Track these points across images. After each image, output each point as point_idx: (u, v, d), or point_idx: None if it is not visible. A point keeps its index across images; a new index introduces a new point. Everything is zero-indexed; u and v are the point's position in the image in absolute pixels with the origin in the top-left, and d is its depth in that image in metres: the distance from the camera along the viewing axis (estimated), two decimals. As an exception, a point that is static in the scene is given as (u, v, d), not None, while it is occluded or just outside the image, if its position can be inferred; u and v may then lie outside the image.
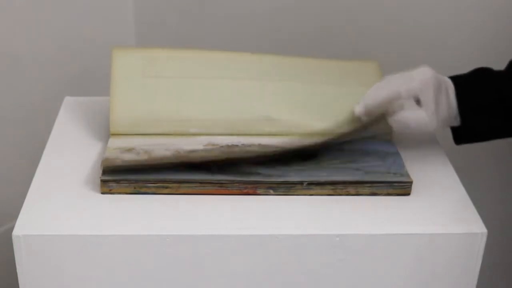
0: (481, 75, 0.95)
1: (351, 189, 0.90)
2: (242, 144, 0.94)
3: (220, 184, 0.88)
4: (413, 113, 0.91)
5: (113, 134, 0.95)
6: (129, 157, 0.90)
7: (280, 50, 1.45)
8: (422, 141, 1.02)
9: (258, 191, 0.89)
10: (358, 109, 0.94)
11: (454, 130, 0.97)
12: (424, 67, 0.93)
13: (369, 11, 1.38)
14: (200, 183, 0.88)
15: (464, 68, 0.98)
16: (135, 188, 0.88)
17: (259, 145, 0.94)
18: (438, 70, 0.97)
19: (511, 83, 0.93)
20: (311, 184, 0.89)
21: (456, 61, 1.01)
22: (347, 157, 0.94)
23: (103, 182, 0.88)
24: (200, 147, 0.93)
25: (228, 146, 0.94)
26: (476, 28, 1.32)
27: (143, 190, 0.88)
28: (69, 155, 0.96)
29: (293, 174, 0.90)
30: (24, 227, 0.83)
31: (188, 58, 1.01)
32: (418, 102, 0.91)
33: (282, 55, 1.03)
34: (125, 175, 0.88)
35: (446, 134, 1.01)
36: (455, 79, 0.95)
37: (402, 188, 0.90)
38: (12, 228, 0.82)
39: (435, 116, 0.91)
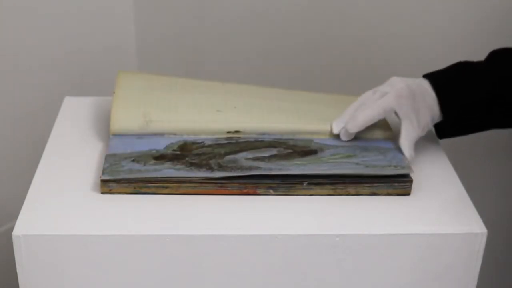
0: (460, 69, 0.96)
1: (351, 189, 0.90)
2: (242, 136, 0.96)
3: (220, 184, 0.88)
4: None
5: (113, 134, 0.96)
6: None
7: (277, 56, 1.46)
8: (422, 141, 1.02)
9: (258, 191, 0.89)
10: (337, 130, 0.96)
11: (436, 125, 0.98)
12: (393, 78, 0.95)
13: (366, 16, 1.38)
14: (200, 182, 0.88)
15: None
16: (135, 188, 0.88)
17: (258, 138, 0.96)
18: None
19: (491, 75, 0.94)
20: (311, 184, 0.89)
21: (451, 61, 1.01)
22: (347, 152, 0.94)
23: (103, 182, 0.88)
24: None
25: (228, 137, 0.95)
26: (473, 28, 1.32)
27: (143, 190, 0.88)
28: (69, 155, 0.96)
29: (293, 168, 0.90)
30: (24, 227, 0.83)
31: (189, 83, 1.05)
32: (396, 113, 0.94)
33: (278, 87, 1.07)
34: (125, 175, 0.88)
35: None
36: (433, 76, 0.96)
37: (402, 188, 0.90)
38: (12, 228, 0.82)
39: (416, 124, 0.93)
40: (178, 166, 0.90)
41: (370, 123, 0.94)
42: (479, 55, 0.99)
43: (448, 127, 0.97)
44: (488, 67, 0.95)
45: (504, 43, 1.00)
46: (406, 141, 0.94)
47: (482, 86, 0.93)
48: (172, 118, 0.96)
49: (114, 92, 1.00)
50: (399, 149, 0.95)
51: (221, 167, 0.90)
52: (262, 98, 1.03)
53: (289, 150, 0.94)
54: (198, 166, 0.90)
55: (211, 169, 0.89)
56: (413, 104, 0.93)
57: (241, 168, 0.90)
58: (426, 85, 0.95)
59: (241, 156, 0.92)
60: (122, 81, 1.02)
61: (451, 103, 0.94)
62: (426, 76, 0.96)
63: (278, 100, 1.03)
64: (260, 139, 0.96)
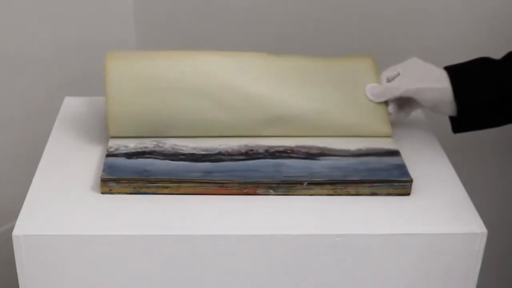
0: (478, 64, 0.96)
1: (351, 189, 0.90)
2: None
3: (220, 184, 0.88)
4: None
5: (113, 137, 0.96)
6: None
7: (278, 45, 1.45)
8: (422, 141, 1.02)
9: (258, 191, 0.89)
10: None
11: (452, 120, 0.98)
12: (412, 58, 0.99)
13: (366, 7, 1.38)
14: (200, 182, 0.88)
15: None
16: (135, 188, 0.88)
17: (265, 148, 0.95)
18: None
19: (509, 72, 0.94)
20: (311, 184, 0.89)
21: (452, 57, 1.01)
22: (347, 154, 0.94)
23: (103, 182, 0.88)
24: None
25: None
26: (472, 25, 1.32)
27: (143, 190, 0.88)
28: (69, 155, 0.96)
29: (293, 167, 0.91)
30: (24, 227, 0.83)
31: (184, 61, 0.97)
32: None
33: (277, 54, 1.02)
34: (125, 175, 0.88)
35: (445, 134, 1.01)
36: (451, 69, 0.96)
37: (402, 188, 0.90)
38: (12, 228, 0.82)
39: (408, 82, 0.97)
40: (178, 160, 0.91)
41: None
42: (479, 52, 0.99)
43: (462, 121, 0.97)
44: (506, 66, 0.95)
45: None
46: (387, 87, 0.98)
47: (498, 84, 0.94)
48: (170, 123, 0.95)
49: (105, 83, 0.94)
50: (398, 152, 0.95)
51: (220, 160, 0.91)
52: (261, 86, 0.98)
53: (289, 150, 0.94)
54: (198, 158, 0.91)
55: (210, 169, 0.90)
56: (417, 73, 0.96)
57: (241, 166, 0.90)
58: (443, 72, 0.96)
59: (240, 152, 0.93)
60: (112, 75, 0.94)
61: (467, 98, 0.95)
62: (446, 68, 0.97)
63: (281, 88, 1.00)
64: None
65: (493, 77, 0.94)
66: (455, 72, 0.96)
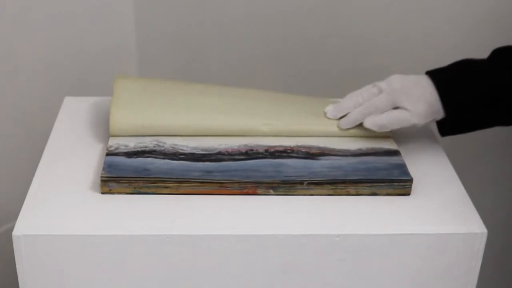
0: (462, 66, 0.96)
1: (351, 189, 0.90)
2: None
3: (220, 184, 0.89)
4: (389, 114, 0.95)
5: (113, 136, 0.96)
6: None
7: (278, 56, 1.46)
8: (422, 141, 1.02)
9: (258, 191, 0.89)
10: (332, 117, 0.99)
11: (438, 122, 0.98)
12: (392, 76, 0.96)
13: (367, 15, 1.38)
14: (201, 182, 0.88)
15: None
16: (135, 188, 0.88)
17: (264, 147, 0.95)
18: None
19: (493, 72, 0.94)
20: (311, 184, 0.89)
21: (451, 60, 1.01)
22: (348, 154, 0.94)
23: (103, 181, 0.88)
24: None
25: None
26: (474, 29, 1.32)
27: (143, 190, 0.88)
28: (69, 155, 0.96)
29: (292, 167, 0.91)
30: (24, 227, 0.83)
31: (186, 89, 1.02)
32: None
33: (275, 92, 1.05)
34: (125, 174, 0.88)
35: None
36: (435, 73, 0.96)
37: (402, 187, 0.90)
38: (12, 228, 0.82)
39: (410, 113, 0.94)
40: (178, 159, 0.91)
41: (362, 121, 0.96)
42: (479, 54, 0.99)
43: (450, 124, 0.97)
44: (490, 64, 0.95)
45: (505, 41, 1.00)
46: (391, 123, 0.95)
47: (484, 83, 0.94)
48: (170, 122, 0.96)
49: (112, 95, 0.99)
50: (399, 152, 0.95)
51: (220, 160, 0.91)
52: (259, 100, 1.02)
53: (289, 150, 0.94)
54: (198, 158, 0.91)
55: (210, 169, 0.90)
56: (407, 98, 0.94)
57: (241, 169, 0.90)
58: (425, 81, 0.95)
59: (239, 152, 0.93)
60: (120, 85, 1.00)
61: (452, 100, 0.94)
62: (428, 73, 0.96)
63: (276, 100, 1.02)
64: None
65: (478, 74, 0.94)
66: (437, 75, 0.95)
